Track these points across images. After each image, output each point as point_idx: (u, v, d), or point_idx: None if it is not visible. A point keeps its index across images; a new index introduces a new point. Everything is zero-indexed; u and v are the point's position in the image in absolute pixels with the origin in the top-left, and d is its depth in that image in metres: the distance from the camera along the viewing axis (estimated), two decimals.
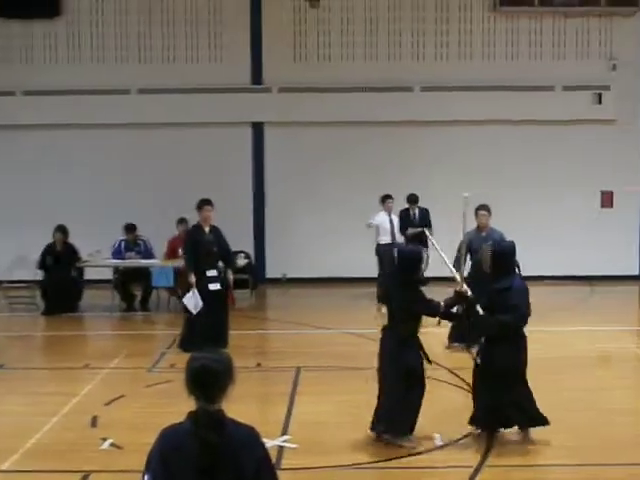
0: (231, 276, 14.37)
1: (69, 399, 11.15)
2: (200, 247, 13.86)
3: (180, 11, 20.34)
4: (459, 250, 13.17)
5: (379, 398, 9.44)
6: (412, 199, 18.47)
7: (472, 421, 9.52)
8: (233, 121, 20.29)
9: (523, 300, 9.18)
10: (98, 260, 17.89)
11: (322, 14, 19.88)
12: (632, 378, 12.92)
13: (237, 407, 10.97)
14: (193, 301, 13.71)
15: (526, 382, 9.34)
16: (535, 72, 20.28)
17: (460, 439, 9.43)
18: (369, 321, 16.38)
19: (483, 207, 14.12)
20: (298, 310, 17.29)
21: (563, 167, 20.39)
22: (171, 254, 17.79)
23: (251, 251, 19.98)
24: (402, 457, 8.92)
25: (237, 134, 20.46)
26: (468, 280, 9.93)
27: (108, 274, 17.98)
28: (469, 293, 9.34)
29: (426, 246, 18.30)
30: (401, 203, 18.30)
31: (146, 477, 4.54)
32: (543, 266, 19.04)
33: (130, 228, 18.05)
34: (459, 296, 9.38)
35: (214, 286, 13.87)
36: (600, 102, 20.27)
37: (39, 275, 17.85)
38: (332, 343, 14.46)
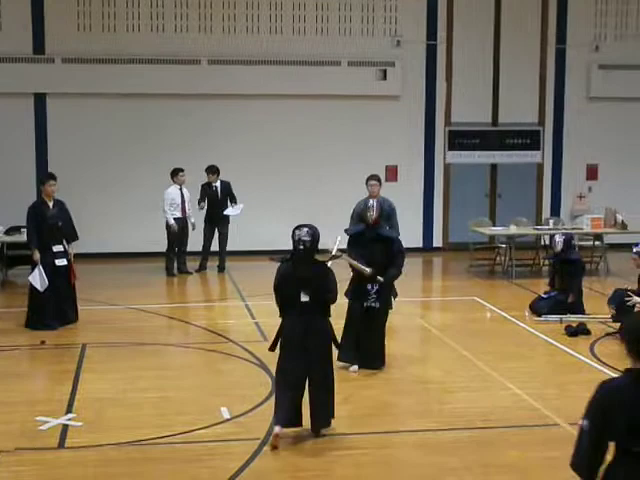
0: (72, 251, 13.98)
1: None
2: (44, 222, 13.54)
3: None
4: (352, 219, 14.19)
5: (298, 392, 8.74)
6: (212, 170, 18.37)
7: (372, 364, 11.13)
8: (14, 91, 19.53)
9: (403, 252, 11.57)
10: None
11: None
12: (416, 347, 13.31)
13: (21, 386, 10.79)
14: (39, 278, 13.34)
15: None
16: (322, 47, 20.48)
17: (247, 412, 9.47)
18: (156, 296, 16.27)
19: (373, 177, 14.73)
20: (84, 286, 16.80)
21: (349, 142, 20.73)
22: None
23: None
24: (187, 432, 8.87)
25: (18, 105, 19.70)
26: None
27: None
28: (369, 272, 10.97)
29: (222, 223, 18.44)
30: (194, 176, 18.24)
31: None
32: (332, 240, 19.28)
33: None
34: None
35: (60, 262, 13.64)
36: (385, 78, 20.69)
37: None
38: (119, 319, 14.25)
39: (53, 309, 13.49)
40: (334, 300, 8.85)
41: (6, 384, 10.66)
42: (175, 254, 18.23)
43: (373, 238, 11.22)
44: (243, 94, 20.12)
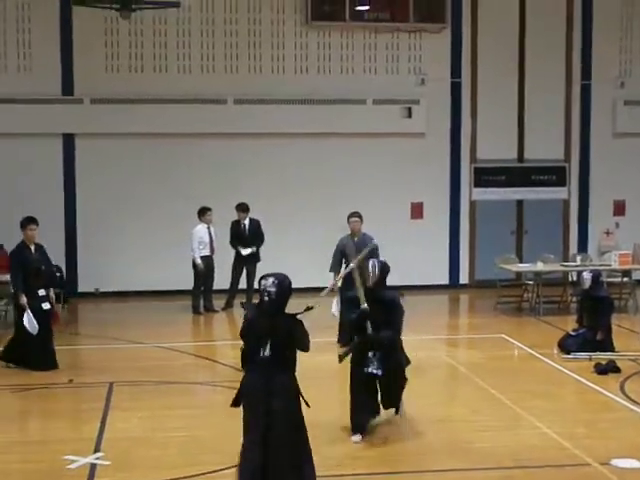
0: (53, 294, 14.00)
1: None
2: (28, 266, 13.48)
3: None
4: (334, 256, 14.65)
5: (257, 456, 7.84)
6: (242, 208, 18.46)
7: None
8: (43, 132, 19.74)
9: (402, 315, 10.46)
10: None
11: (134, 25, 19.60)
12: (443, 385, 13.26)
13: (49, 424, 10.81)
14: (29, 323, 13.26)
15: None
16: (347, 86, 20.60)
17: None
18: (182, 335, 16.32)
19: (355, 214, 15.20)
20: (111, 324, 16.99)
21: (374, 179, 20.76)
22: None
23: (62, 265, 19.49)
24: (214, 471, 8.84)
25: (47, 145, 19.92)
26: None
27: None
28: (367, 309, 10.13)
29: (250, 261, 18.53)
30: (221, 214, 18.32)
31: None
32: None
33: None
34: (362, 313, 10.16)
35: (45, 305, 13.58)
36: (410, 116, 20.76)
37: None
38: (145, 358, 14.28)
39: (36, 351, 13.34)
40: (306, 350, 7.98)
41: (34, 422, 10.72)
42: (202, 292, 18.30)
43: (373, 300, 10.22)
44: (269, 133, 20.24)
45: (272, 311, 7.90)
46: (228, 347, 15.68)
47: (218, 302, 18.47)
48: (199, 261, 18.01)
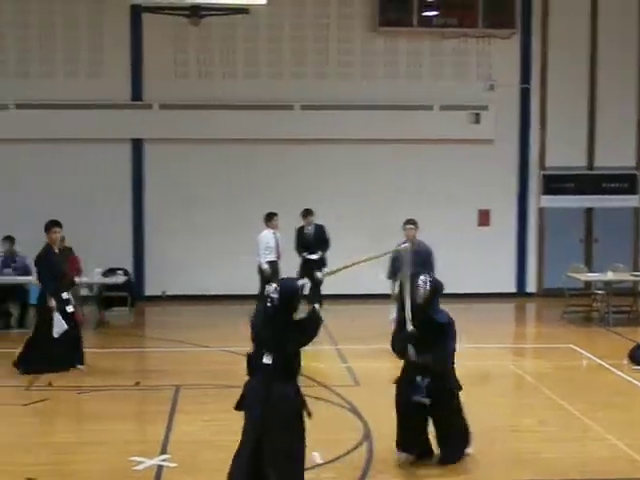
0: (72, 297, 14.02)
1: None
2: (54, 269, 13.58)
3: (59, 25, 19.98)
4: (391, 264, 14.31)
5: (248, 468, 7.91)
6: (306, 214, 18.49)
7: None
8: (113, 137, 20.01)
9: (454, 340, 9.50)
10: None
11: (203, 31, 19.71)
12: (510, 395, 13.13)
13: (116, 426, 10.90)
14: (58, 325, 13.34)
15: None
16: (414, 92, 20.55)
17: (339, 457, 9.40)
18: (247, 339, 16.30)
19: (410, 221, 15.25)
20: (177, 328, 17.10)
21: (441, 186, 20.67)
22: None
23: (130, 268, 19.69)
24: None
25: (117, 150, 20.17)
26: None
27: None
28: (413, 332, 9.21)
29: (321, 268, 18.43)
30: (286, 220, 18.31)
31: None
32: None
33: (7, 239, 17.69)
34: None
35: (70, 308, 13.67)
36: (478, 122, 20.64)
37: None
38: (211, 361, 14.35)
39: (59, 352, 13.38)
40: (309, 338, 7.91)
41: (101, 424, 10.79)
42: None
43: (422, 319, 9.31)
44: (336, 139, 20.27)
45: (275, 317, 7.79)
46: None
47: None
48: (266, 266, 18.04)
